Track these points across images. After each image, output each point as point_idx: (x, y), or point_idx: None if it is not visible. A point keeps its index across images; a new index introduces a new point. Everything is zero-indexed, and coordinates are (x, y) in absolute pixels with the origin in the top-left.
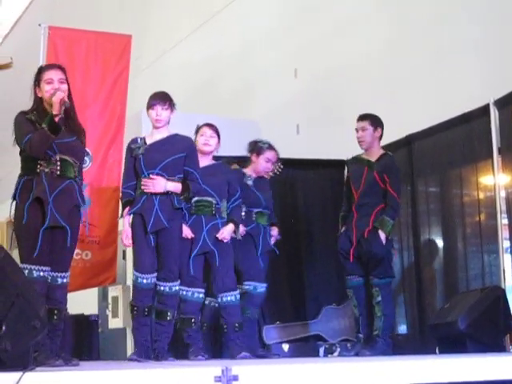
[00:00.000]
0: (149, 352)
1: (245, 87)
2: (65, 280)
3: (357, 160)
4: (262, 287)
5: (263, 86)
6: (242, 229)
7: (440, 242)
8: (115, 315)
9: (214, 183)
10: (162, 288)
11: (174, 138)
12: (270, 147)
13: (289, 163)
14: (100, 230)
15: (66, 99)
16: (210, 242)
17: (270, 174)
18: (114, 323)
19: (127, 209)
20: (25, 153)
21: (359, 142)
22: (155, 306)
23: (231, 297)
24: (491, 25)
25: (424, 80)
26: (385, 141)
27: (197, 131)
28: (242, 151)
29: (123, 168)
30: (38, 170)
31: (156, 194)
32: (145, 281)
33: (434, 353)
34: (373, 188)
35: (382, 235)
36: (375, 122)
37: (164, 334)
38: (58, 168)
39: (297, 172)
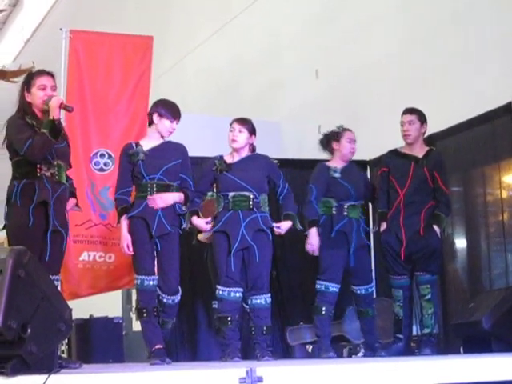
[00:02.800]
0: (166, 354)
1: (266, 89)
2: (56, 283)
3: (399, 155)
4: (370, 287)
5: (285, 87)
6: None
7: (463, 242)
8: None
9: (250, 177)
10: (164, 300)
11: (169, 145)
12: (345, 128)
13: (311, 164)
14: None
15: (67, 104)
16: (248, 237)
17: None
18: (139, 325)
19: (124, 216)
20: (19, 157)
21: (405, 135)
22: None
23: (261, 300)
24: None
25: (446, 80)
26: None
27: (230, 127)
28: (265, 152)
29: (118, 173)
30: (39, 174)
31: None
32: (151, 282)
33: (459, 353)
34: (422, 185)
35: (438, 229)
36: (423, 116)
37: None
38: (56, 172)
39: None
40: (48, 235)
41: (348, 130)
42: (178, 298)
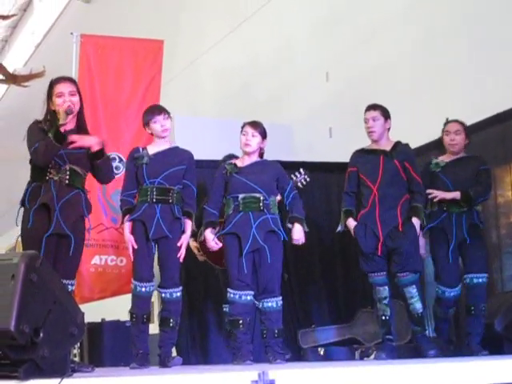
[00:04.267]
0: (148, 359)
1: (277, 92)
2: (69, 288)
3: (367, 152)
4: (481, 277)
5: (295, 90)
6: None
7: None
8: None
9: (261, 179)
10: (163, 295)
11: (176, 150)
12: (448, 121)
13: (322, 167)
14: None
15: (71, 106)
16: (260, 239)
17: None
18: (150, 329)
19: (127, 216)
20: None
21: (370, 132)
22: (160, 313)
23: (272, 303)
24: None
25: (457, 81)
26: (419, 142)
27: (241, 130)
28: (276, 155)
29: (124, 176)
30: (47, 178)
31: (158, 203)
32: (143, 289)
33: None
34: (394, 178)
35: (417, 222)
36: (386, 112)
37: (168, 341)
38: (67, 177)
39: (330, 176)
40: (44, 239)
41: (449, 122)
42: (177, 292)
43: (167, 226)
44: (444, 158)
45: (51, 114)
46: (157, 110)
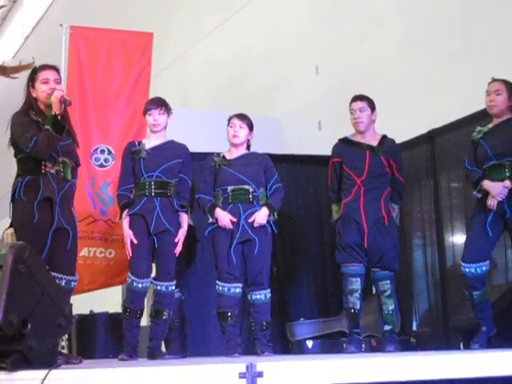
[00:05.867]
0: (137, 351)
1: (267, 85)
2: (72, 284)
3: (352, 144)
4: None
5: (285, 83)
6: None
7: (463, 238)
8: None
9: (250, 171)
10: (158, 288)
11: (171, 144)
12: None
13: (311, 160)
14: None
15: (66, 97)
16: (249, 230)
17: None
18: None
19: (126, 211)
20: (23, 154)
21: (356, 123)
22: (152, 305)
23: (261, 295)
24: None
25: (446, 76)
26: (407, 136)
27: (228, 122)
28: (265, 148)
29: (120, 171)
30: (44, 171)
31: (157, 196)
32: (140, 285)
33: (459, 348)
34: (380, 173)
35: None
36: (373, 104)
37: (159, 333)
38: (62, 170)
39: (319, 169)
40: (50, 233)
41: (491, 81)
42: (172, 286)
43: (167, 220)
44: (489, 125)
45: (34, 102)
46: (155, 102)
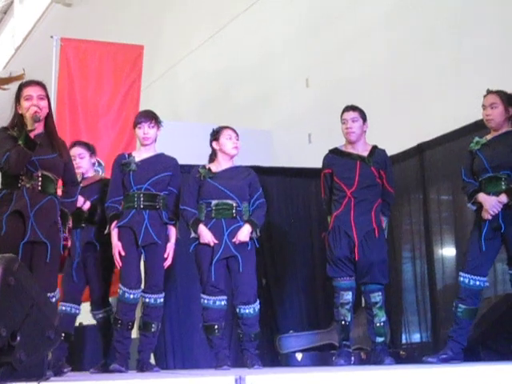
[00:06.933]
0: (128, 362)
1: (257, 97)
2: (53, 300)
3: (342, 154)
4: None
5: (275, 95)
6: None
7: (452, 250)
8: None
9: (234, 185)
10: (147, 300)
11: (161, 157)
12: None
13: (301, 172)
14: None
15: (38, 113)
16: (232, 247)
17: None
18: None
19: (115, 223)
20: (2, 169)
21: (348, 133)
22: (141, 318)
23: (250, 309)
24: (501, 32)
25: (435, 89)
26: (397, 149)
27: (217, 134)
28: (255, 161)
29: (110, 183)
30: (20, 185)
31: (146, 209)
32: (131, 296)
33: None
34: (370, 184)
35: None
36: (364, 114)
37: (148, 346)
38: (40, 184)
39: (309, 181)
40: (20, 246)
41: (486, 94)
42: (161, 299)
43: (156, 233)
44: (487, 136)
45: (19, 119)
46: (145, 116)
